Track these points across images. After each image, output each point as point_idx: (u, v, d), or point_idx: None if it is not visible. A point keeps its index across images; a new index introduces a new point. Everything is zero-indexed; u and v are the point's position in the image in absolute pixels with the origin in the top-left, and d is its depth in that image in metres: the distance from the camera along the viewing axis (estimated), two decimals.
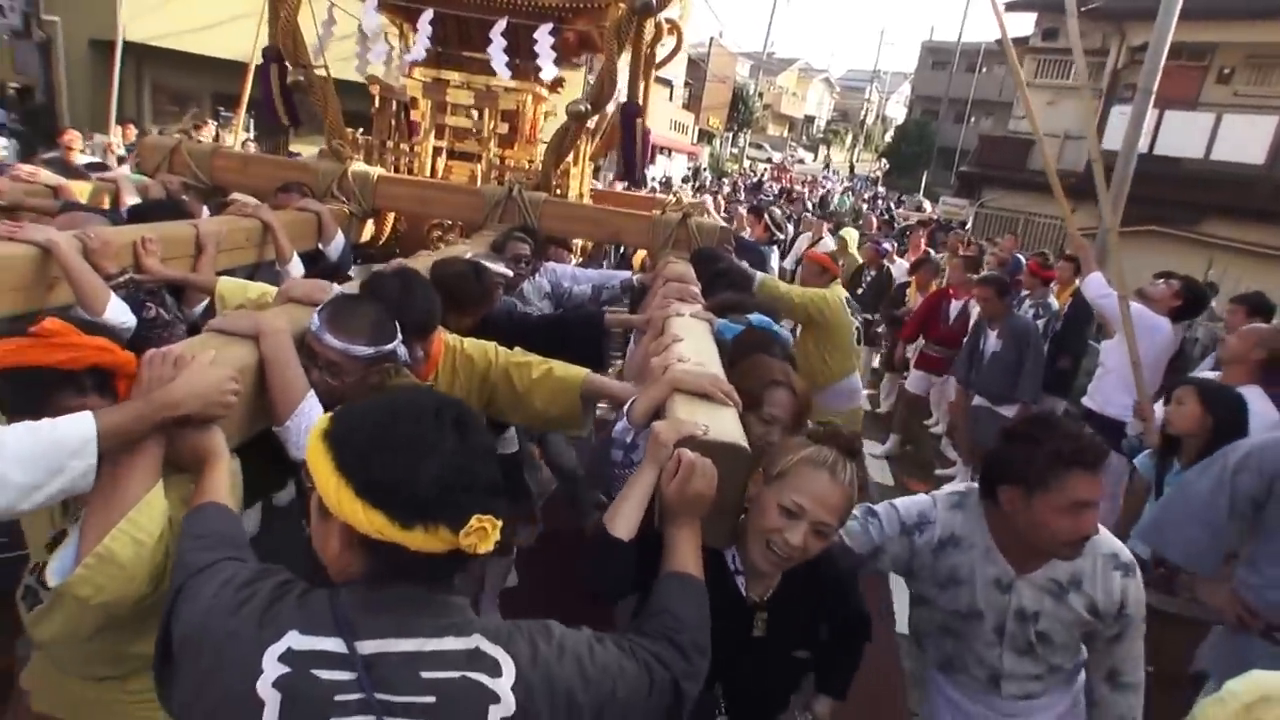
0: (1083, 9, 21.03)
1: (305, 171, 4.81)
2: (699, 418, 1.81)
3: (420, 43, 5.01)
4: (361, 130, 5.49)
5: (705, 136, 45.00)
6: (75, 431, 1.41)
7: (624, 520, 1.64)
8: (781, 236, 10.71)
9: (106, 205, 4.19)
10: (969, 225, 21.57)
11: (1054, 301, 7.05)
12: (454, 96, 5.34)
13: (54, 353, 1.49)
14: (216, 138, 12.48)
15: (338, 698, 1.07)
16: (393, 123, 5.59)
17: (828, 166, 56.05)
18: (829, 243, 10.76)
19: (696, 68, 41.18)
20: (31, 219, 3.25)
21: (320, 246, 4.20)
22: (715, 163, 43.85)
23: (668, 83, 37.24)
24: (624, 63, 4.85)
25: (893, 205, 31.09)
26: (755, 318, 2.83)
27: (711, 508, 1.64)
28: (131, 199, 4.31)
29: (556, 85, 6.20)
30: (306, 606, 1.15)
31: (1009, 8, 27.89)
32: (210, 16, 14.75)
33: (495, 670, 1.14)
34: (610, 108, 6.03)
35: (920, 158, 41.38)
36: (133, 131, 12.83)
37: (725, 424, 1.82)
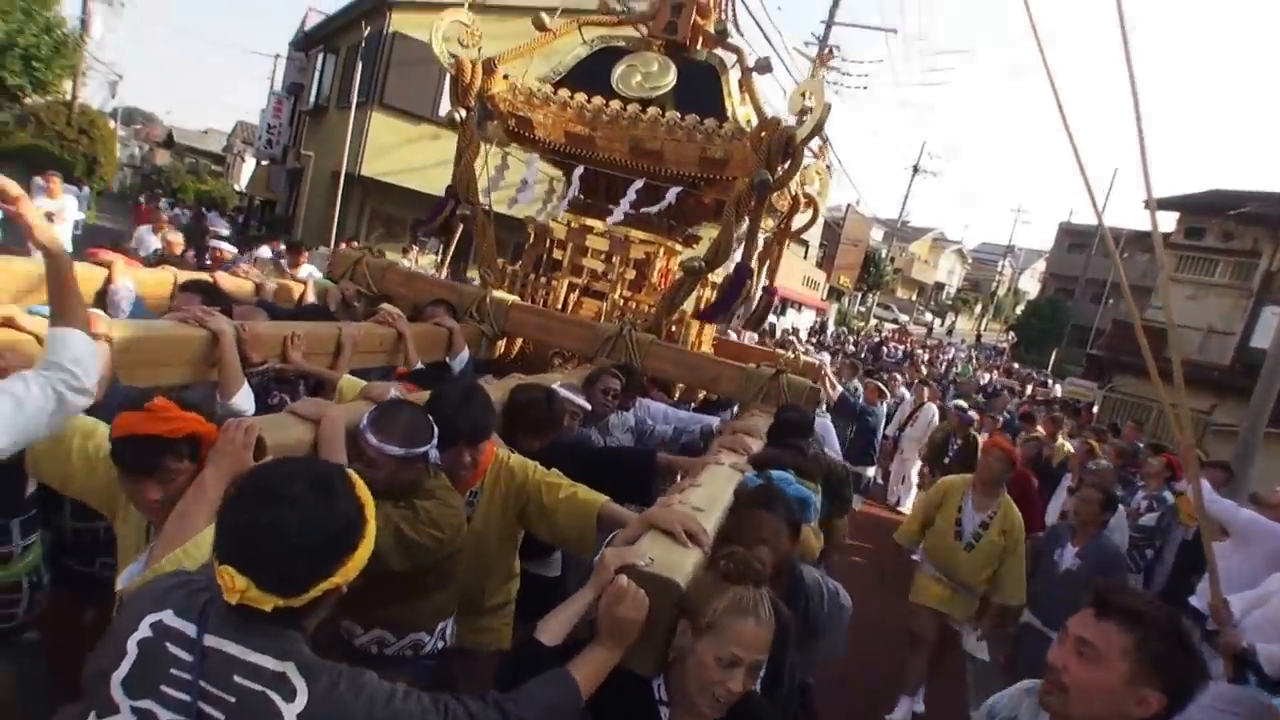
0: (1232, 212, 20.71)
1: (453, 292, 5.16)
2: (655, 551, 1.84)
3: (569, 193, 5.47)
4: (517, 263, 5.93)
5: (835, 294, 45.11)
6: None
7: (553, 628, 1.71)
8: (892, 399, 10.57)
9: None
10: (1095, 409, 19.91)
11: (1169, 496, 6.34)
12: (593, 242, 5.67)
13: (161, 424, 1.81)
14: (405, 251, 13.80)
15: (173, 670, 1.29)
16: (541, 258, 6.03)
17: (950, 333, 54.88)
18: (932, 412, 10.56)
19: (832, 230, 41.69)
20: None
21: (447, 359, 4.45)
22: (842, 319, 43.79)
23: (804, 242, 37.85)
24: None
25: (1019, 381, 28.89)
26: (778, 474, 2.79)
27: (642, 635, 1.66)
28: (311, 299, 4.85)
29: (691, 240, 6.59)
30: (190, 598, 1.35)
31: (1162, 205, 27.23)
32: (422, 160, 16.76)
33: (291, 695, 1.27)
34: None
35: (1051, 335, 39.72)
36: (353, 246, 14.05)
37: (677, 561, 1.83)
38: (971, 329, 59.63)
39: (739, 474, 2.93)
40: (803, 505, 2.73)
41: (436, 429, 2.36)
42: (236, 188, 32.67)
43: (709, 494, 2.58)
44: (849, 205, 43.23)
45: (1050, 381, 28.14)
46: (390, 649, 2.49)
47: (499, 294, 5.25)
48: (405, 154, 17.40)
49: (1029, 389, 24.61)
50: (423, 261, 13.65)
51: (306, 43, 24.51)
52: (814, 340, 27.18)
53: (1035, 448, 8.15)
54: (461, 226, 5.79)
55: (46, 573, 2.53)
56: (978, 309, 66.59)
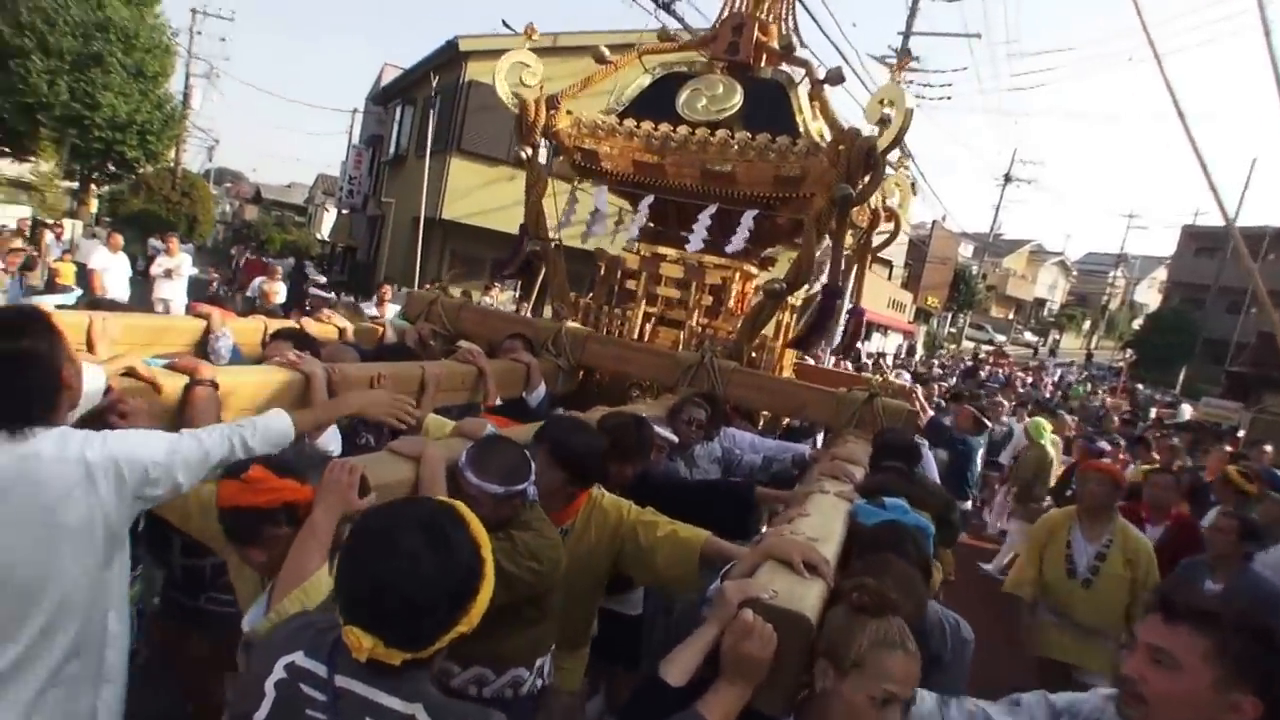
0: None
1: (528, 327, 5.08)
2: (777, 583, 1.71)
3: (637, 223, 5.32)
4: (588, 295, 5.86)
5: (922, 315, 43.66)
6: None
7: (678, 667, 1.62)
8: (990, 427, 9.93)
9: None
10: (1240, 433, 16.54)
11: None
12: (667, 270, 5.53)
13: (257, 496, 1.84)
14: (486, 289, 14.07)
15: (309, 711, 1.35)
16: (614, 289, 5.95)
17: (1053, 353, 51.99)
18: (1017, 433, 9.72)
19: (917, 249, 40.45)
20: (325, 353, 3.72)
21: (524, 394, 4.38)
22: (931, 342, 42.34)
23: (887, 263, 36.84)
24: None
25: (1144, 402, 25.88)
26: (892, 501, 2.59)
27: (769, 673, 1.57)
28: (391, 339, 4.88)
29: (767, 263, 6.41)
30: (318, 638, 1.42)
31: None
32: (500, 201, 17.30)
33: None
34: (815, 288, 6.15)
35: (1177, 350, 36.20)
36: (432, 287, 14.52)
37: (801, 593, 1.69)
38: (1080, 347, 56.74)
39: (847, 503, 2.75)
40: (924, 537, 2.52)
41: (536, 453, 2.41)
42: (319, 236, 34.12)
43: (821, 524, 2.42)
44: (934, 222, 41.93)
45: (1180, 403, 24.82)
46: (489, 688, 2.41)
47: (574, 326, 5.16)
48: (484, 196, 17.95)
49: (1153, 412, 22.15)
50: (501, 299, 13.86)
51: (384, 96, 25.67)
52: (899, 364, 26.25)
53: (1191, 477, 7.10)
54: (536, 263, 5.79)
55: (152, 605, 2.79)
56: (1086, 325, 63.34)
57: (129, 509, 1.88)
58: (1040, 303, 65.95)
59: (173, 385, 2.51)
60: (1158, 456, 8.72)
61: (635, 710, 1.68)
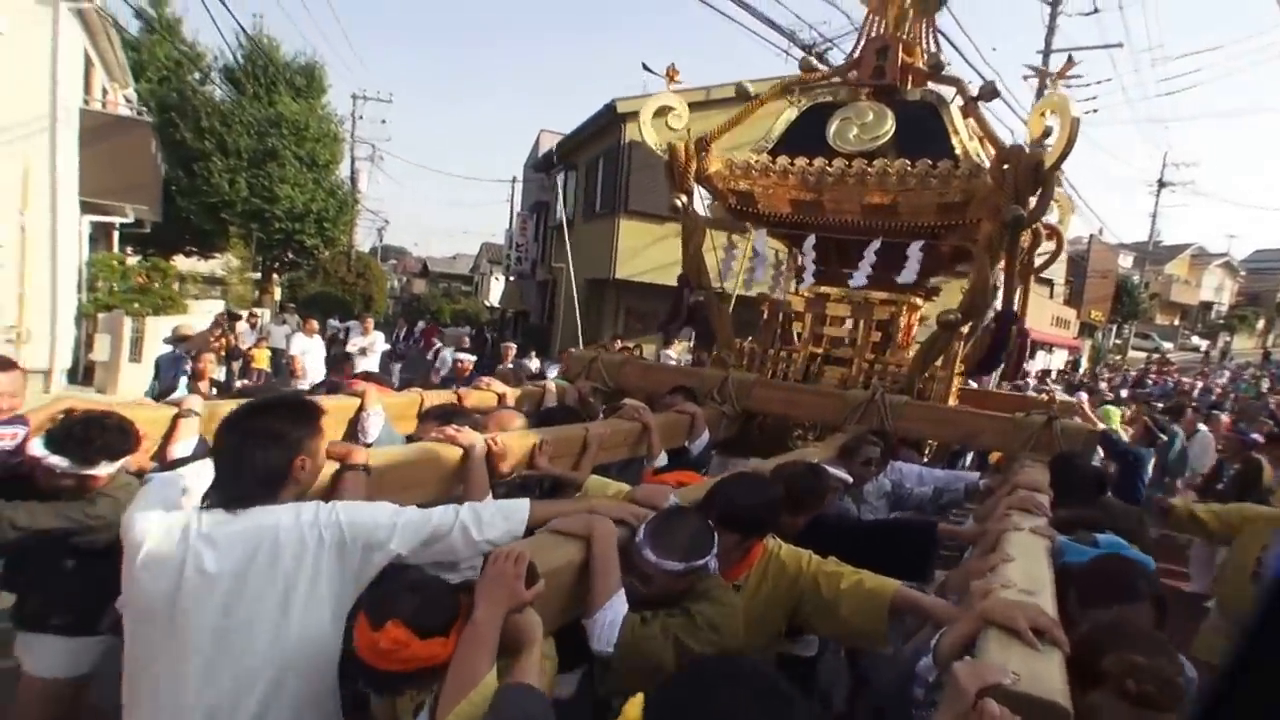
0: None
1: (691, 378, 4.99)
2: (1013, 660, 1.44)
3: (809, 267, 5.06)
4: (750, 339, 5.67)
5: (1087, 330, 41.15)
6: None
7: None
8: (1163, 438, 9.13)
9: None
10: None
11: None
12: (833, 310, 5.32)
13: (395, 664, 1.63)
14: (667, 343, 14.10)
15: None
16: (778, 332, 5.73)
17: (1224, 355, 47.61)
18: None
19: (1077, 264, 38.38)
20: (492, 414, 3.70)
21: (687, 444, 4.24)
22: (1097, 355, 39.78)
23: (1048, 281, 35.10)
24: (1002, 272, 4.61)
25: None
26: (1105, 538, 2.29)
27: None
28: (550, 402, 4.82)
29: (932, 293, 6.04)
30: None
31: None
32: (669, 257, 17.26)
33: None
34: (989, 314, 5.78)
35: None
36: (615, 346, 14.69)
37: (1043, 672, 1.42)
38: (1255, 347, 51.86)
39: (1046, 540, 2.43)
40: (1152, 581, 2.18)
41: (716, 535, 2.20)
42: (487, 304, 35.25)
43: (1028, 570, 2.09)
44: (1091, 236, 39.53)
45: None
46: None
47: (739, 374, 4.98)
48: (654, 253, 17.92)
49: None
50: (679, 350, 13.86)
51: (546, 163, 26.16)
52: (1063, 379, 24.60)
53: None
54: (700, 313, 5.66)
55: None
56: (1260, 324, 57.87)
57: (355, 574, 1.85)
58: (1207, 306, 60.89)
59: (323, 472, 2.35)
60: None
61: None
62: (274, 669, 1.78)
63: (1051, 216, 6.29)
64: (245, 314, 16.16)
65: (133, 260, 15.44)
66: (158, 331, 11.93)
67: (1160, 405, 12.64)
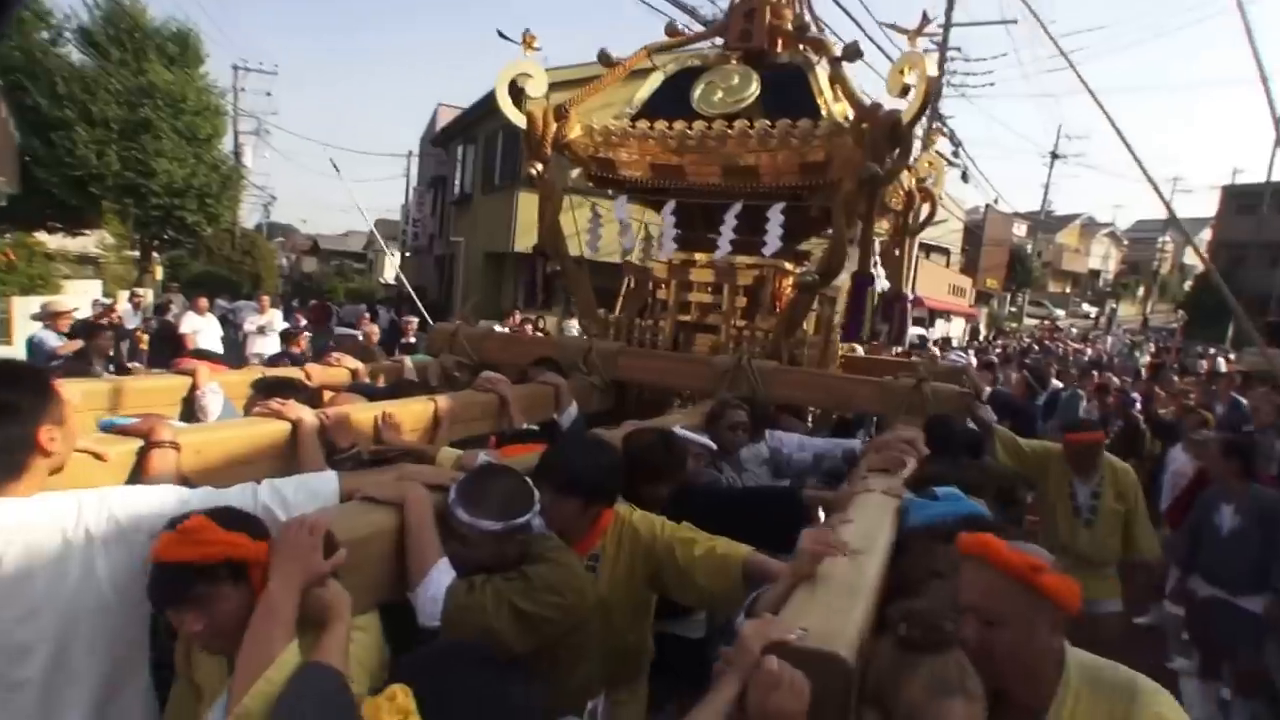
0: None
1: (555, 348, 4.84)
2: (813, 616, 1.43)
3: (668, 233, 5.00)
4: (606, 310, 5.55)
5: (983, 298, 42.77)
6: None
7: None
8: (1042, 392, 9.62)
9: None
10: None
11: None
12: (697, 275, 5.22)
13: (188, 550, 1.54)
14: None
15: None
16: (648, 300, 5.63)
17: (1110, 322, 50.01)
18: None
19: (973, 234, 39.80)
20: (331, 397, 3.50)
21: (556, 416, 4.11)
22: (993, 323, 41.41)
23: (945, 250, 36.33)
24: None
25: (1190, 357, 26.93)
26: (943, 490, 2.28)
27: None
28: (410, 377, 4.62)
29: (803, 257, 6.02)
30: None
31: None
32: (568, 230, 17.03)
33: None
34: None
35: (1225, 308, 35.47)
36: (516, 318, 14.42)
37: (837, 627, 1.40)
38: (1137, 314, 54.89)
39: (895, 499, 2.42)
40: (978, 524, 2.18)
41: (543, 486, 2.13)
42: (383, 281, 34.29)
43: (864, 530, 2.11)
44: (987, 206, 40.97)
45: (1231, 355, 25.40)
46: None
47: (603, 343, 4.85)
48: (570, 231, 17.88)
49: (1203, 365, 22.31)
50: (572, 325, 13.66)
51: (444, 138, 25.73)
52: (972, 347, 25.67)
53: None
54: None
55: None
56: (1140, 292, 61.23)
57: (143, 562, 1.66)
58: (1095, 274, 64.35)
59: (121, 451, 2.22)
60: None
61: None
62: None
63: (928, 181, 6.41)
64: (128, 294, 15.35)
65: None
66: (27, 312, 11.26)
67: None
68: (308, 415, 2.76)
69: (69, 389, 2.80)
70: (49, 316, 7.86)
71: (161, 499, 1.81)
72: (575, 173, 5.45)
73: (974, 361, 11.57)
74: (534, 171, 5.06)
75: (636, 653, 2.66)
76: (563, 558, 2.08)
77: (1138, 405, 8.73)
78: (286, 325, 12.48)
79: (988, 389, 7.46)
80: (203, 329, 11.38)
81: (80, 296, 12.46)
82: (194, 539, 1.55)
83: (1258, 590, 4.35)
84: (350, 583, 1.67)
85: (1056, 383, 11.17)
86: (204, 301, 12.06)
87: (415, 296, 11.00)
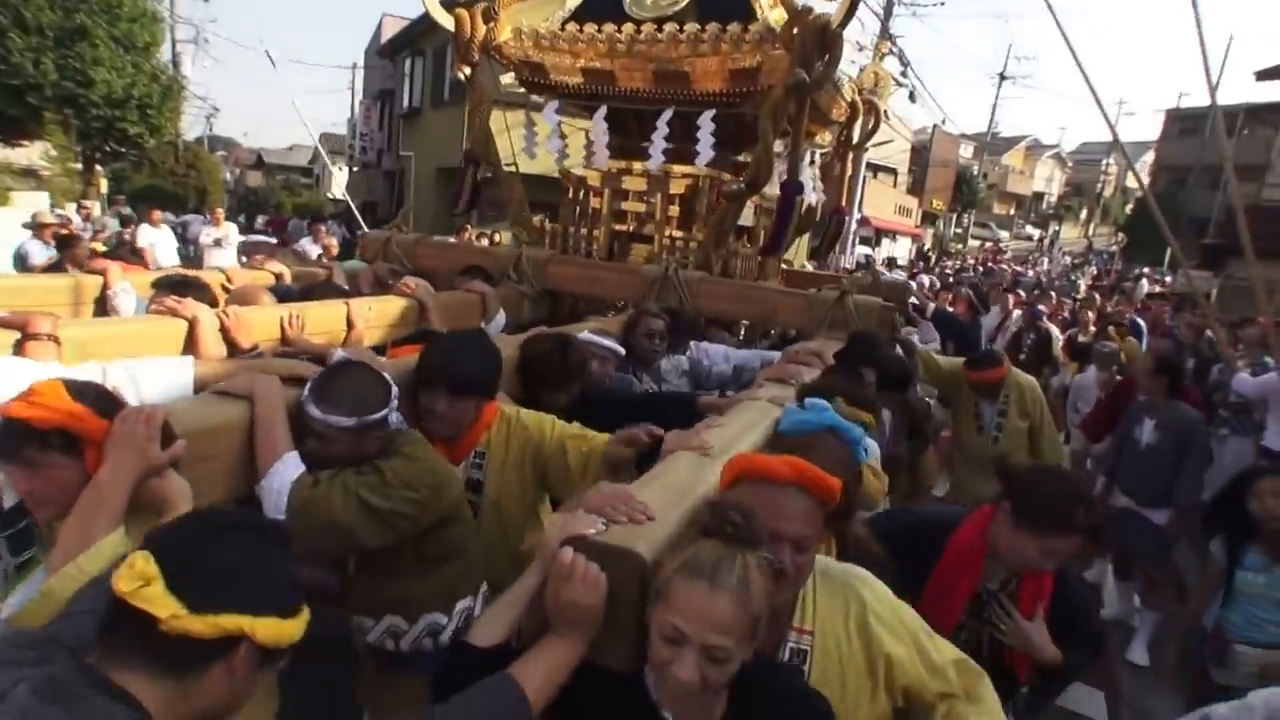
0: None
1: (486, 256, 4.73)
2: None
3: (600, 141, 4.86)
4: (545, 216, 5.39)
5: (929, 218, 42.81)
6: None
7: (485, 627, 1.35)
8: (984, 313, 9.71)
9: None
10: (1213, 298, 18.49)
11: (1270, 361, 5.89)
12: (630, 183, 5.06)
13: (28, 409, 1.50)
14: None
15: None
16: (577, 210, 5.51)
17: (1052, 245, 50.44)
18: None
19: (920, 154, 39.60)
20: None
21: (483, 324, 4.03)
22: (938, 243, 41.59)
23: (892, 170, 36.15)
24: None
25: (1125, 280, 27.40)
26: (811, 402, 2.25)
27: (606, 623, 1.29)
28: (339, 281, 4.50)
29: (740, 169, 5.89)
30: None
31: (1260, 76, 24.60)
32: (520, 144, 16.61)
33: None
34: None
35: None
36: (469, 233, 14.00)
37: (645, 525, 1.38)
38: (1079, 236, 55.52)
39: (777, 408, 2.37)
40: (845, 443, 2.12)
41: (394, 387, 2.02)
42: (330, 196, 33.24)
43: (728, 435, 2.07)
44: (935, 126, 40.66)
45: (1147, 277, 26.42)
46: (406, 639, 2.11)
47: (533, 250, 4.74)
48: (504, 141, 17.32)
49: (1129, 285, 22.84)
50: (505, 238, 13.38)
51: (391, 50, 24.73)
52: (918, 268, 25.84)
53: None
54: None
55: None
56: (1083, 215, 61.79)
57: None
58: (1039, 196, 64.55)
59: None
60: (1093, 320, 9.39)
61: (446, 679, 1.35)
62: None
63: (873, 95, 6.22)
64: (74, 205, 14.81)
65: None
66: None
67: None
68: (205, 314, 2.67)
69: None
70: (37, 227, 8.03)
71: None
72: (508, 78, 5.24)
73: (932, 283, 11.48)
74: (462, 75, 4.84)
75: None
76: (419, 451, 2.02)
77: (1045, 317, 9.00)
78: (243, 239, 12.28)
79: (932, 305, 7.54)
80: (158, 242, 11.24)
81: (27, 209, 12.00)
82: (36, 400, 1.51)
83: (1164, 504, 4.51)
84: (195, 473, 1.64)
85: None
86: (157, 214, 11.86)
87: (357, 213, 10.65)
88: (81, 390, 1.56)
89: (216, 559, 1.02)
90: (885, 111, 6.69)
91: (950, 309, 8.53)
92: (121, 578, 0.97)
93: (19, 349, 2.15)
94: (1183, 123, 41.79)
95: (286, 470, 1.84)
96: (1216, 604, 3.02)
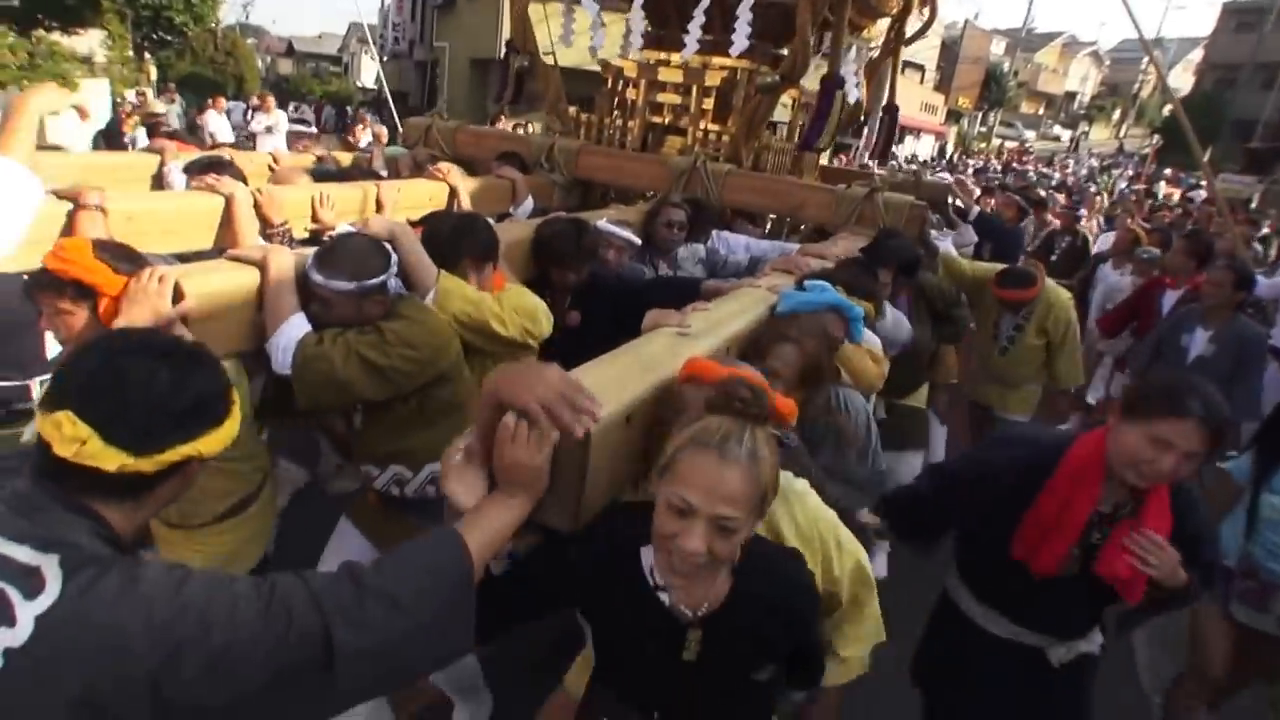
0: None
1: (522, 143, 4.61)
2: (590, 381, 1.36)
3: (635, 29, 4.68)
4: (579, 108, 5.21)
5: (954, 116, 40.86)
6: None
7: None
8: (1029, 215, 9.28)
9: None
10: (1253, 205, 17.17)
11: None
12: (666, 75, 4.87)
13: (53, 260, 1.68)
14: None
15: None
16: (615, 101, 5.31)
17: (1077, 146, 47.98)
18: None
19: (949, 50, 37.56)
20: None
21: (511, 209, 4.00)
22: (962, 142, 39.87)
23: (919, 67, 34.49)
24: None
25: (1160, 183, 25.28)
26: (812, 283, 2.29)
27: (550, 483, 1.24)
28: (378, 166, 4.46)
29: (776, 62, 5.62)
30: None
31: None
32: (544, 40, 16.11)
33: (34, 592, 0.90)
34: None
35: (1206, 133, 32.13)
36: (503, 122, 13.65)
37: (602, 393, 1.34)
38: (1111, 138, 52.82)
39: (773, 296, 2.36)
40: (838, 318, 2.22)
41: (394, 255, 2.11)
42: (359, 85, 32.50)
43: (714, 317, 2.05)
44: (966, 21, 38.47)
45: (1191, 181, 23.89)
46: (410, 486, 2.22)
47: (566, 140, 4.62)
48: (542, 32, 16.74)
49: (1162, 188, 21.45)
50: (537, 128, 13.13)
51: None
52: (939, 166, 24.91)
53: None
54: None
55: None
56: (1116, 115, 58.56)
57: None
58: (1071, 96, 61.06)
59: (50, 211, 2.21)
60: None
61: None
62: None
63: None
64: (133, 92, 14.85)
65: (12, 38, 13.79)
66: (50, 109, 10.91)
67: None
68: (240, 191, 2.71)
69: (50, 162, 2.83)
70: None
71: None
72: None
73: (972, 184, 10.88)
74: None
75: None
76: (420, 315, 2.09)
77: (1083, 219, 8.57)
78: (288, 126, 12.42)
79: (975, 209, 7.11)
80: (220, 127, 11.69)
81: (91, 95, 12.01)
82: (61, 254, 1.68)
83: None
84: (205, 330, 1.75)
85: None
86: (222, 102, 12.41)
87: (390, 100, 10.52)
88: (105, 248, 1.71)
89: (139, 396, 0.98)
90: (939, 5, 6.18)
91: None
92: (56, 443, 0.95)
93: (70, 219, 2.23)
94: (1240, 16, 39.08)
95: (292, 330, 1.92)
96: (1238, 536, 2.64)
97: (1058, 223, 8.65)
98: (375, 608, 1.01)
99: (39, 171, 2.49)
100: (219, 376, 1.09)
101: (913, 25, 5.81)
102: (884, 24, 5.58)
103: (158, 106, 15.15)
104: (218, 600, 0.95)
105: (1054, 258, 7.50)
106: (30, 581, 0.90)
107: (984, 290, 4.31)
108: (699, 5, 4.32)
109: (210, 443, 1.05)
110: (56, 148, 3.08)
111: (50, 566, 0.91)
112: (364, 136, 10.27)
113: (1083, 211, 8.97)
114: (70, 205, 2.24)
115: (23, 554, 0.92)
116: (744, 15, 4.23)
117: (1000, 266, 4.33)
